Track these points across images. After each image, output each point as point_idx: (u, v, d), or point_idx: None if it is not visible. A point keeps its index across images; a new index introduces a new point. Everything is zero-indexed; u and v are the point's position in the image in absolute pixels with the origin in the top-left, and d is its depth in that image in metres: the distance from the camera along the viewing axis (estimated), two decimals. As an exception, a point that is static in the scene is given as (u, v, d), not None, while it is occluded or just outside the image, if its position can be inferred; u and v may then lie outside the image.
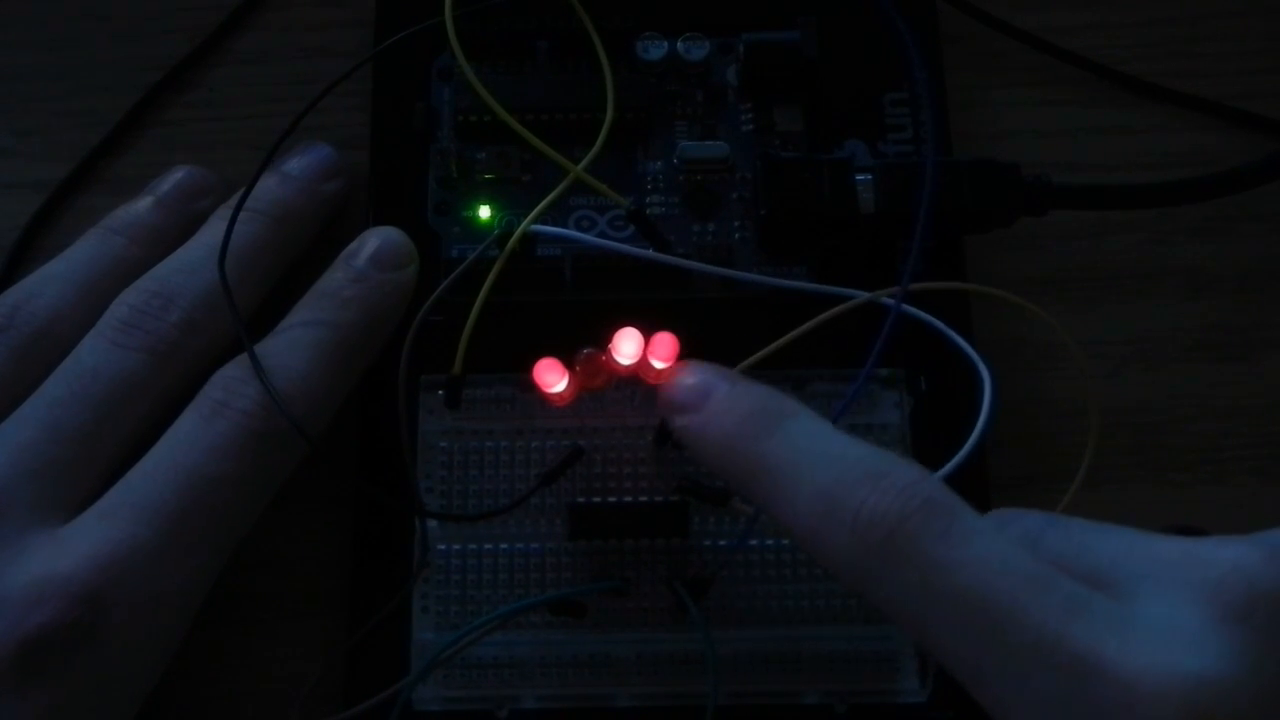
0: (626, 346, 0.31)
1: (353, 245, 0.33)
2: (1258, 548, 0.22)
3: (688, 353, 0.31)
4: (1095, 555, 0.24)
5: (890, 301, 0.30)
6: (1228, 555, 0.22)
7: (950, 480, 0.28)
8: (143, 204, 0.33)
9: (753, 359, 0.29)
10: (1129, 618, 0.22)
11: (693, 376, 0.28)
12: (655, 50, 0.36)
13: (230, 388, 0.29)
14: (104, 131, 0.37)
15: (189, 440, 0.29)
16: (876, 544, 0.23)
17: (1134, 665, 0.21)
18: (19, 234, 0.35)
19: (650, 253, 0.33)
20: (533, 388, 0.32)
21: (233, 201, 0.32)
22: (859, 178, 0.33)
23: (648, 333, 0.31)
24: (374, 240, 0.33)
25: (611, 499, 0.32)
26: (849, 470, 0.25)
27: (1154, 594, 0.22)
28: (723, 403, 0.27)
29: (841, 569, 0.25)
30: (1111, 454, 0.33)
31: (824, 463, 0.25)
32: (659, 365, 0.31)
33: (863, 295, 0.31)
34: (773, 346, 0.29)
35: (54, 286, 0.31)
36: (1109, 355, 0.34)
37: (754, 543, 0.31)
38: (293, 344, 0.30)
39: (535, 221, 0.32)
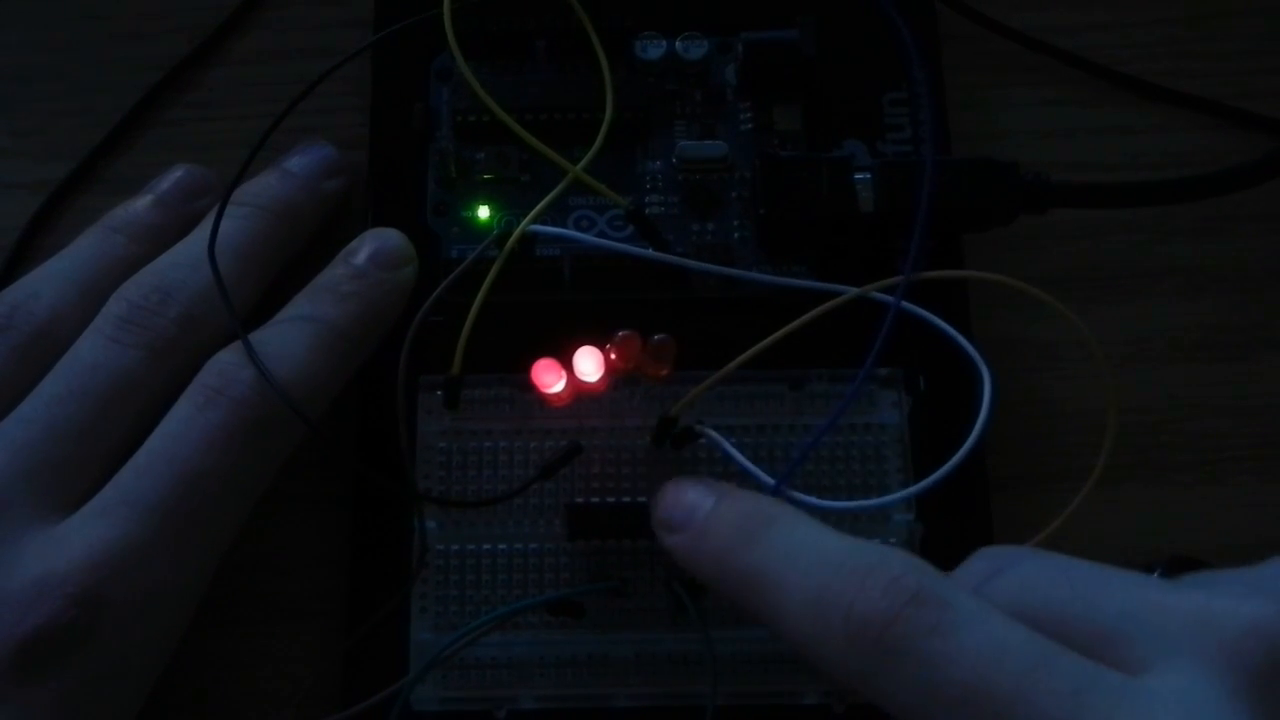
0: (625, 347, 0.31)
1: (352, 244, 0.33)
2: (1274, 602, 0.21)
3: (687, 352, 0.31)
4: (1101, 612, 0.23)
5: (890, 298, 0.30)
6: (1245, 615, 0.21)
7: (950, 480, 0.28)
8: (142, 203, 0.33)
9: (747, 354, 0.29)
10: (1140, 694, 0.21)
11: (679, 495, 0.28)
12: (654, 50, 0.36)
13: (225, 374, 0.29)
14: (104, 131, 0.37)
15: (183, 433, 0.29)
16: (870, 645, 0.23)
17: None
18: (19, 234, 0.35)
19: (649, 252, 0.33)
20: (531, 388, 0.32)
21: (230, 197, 0.32)
22: (858, 177, 0.33)
23: (647, 332, 0.31)
24: (373, 240, 0.33)
25: (610, 499, 0.32)
26: (835, 572, 0.24)
27: (1167, 661, 0.21)
28: (709, 519, 0.28)
29: (839, 673, 0.24)
30: (1113, 454, 0.33)
31: (809, 568, 0.25)
32: (657, 366, 0.31)
33: (862, 289, 0.30)
34: (768, 341, 0.29)
35: (53, 285, 0.31)
36: (1109, 355, 0.34)
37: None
38: (290, 334, 0.30)
39: (534, 221, 0.32)
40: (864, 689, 0.24)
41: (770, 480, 0.29)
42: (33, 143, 0.37)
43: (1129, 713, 0.21)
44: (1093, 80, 0.37)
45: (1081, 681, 0.21)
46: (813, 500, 0.29)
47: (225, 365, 0.29)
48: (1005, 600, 0.24)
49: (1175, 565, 0.26)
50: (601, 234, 0.34)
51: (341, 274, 0.32)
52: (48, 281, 0.31)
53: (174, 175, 0.34)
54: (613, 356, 0.31)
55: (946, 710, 0.22)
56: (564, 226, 0.34)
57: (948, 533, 0.32)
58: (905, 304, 0.30)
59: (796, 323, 0.29)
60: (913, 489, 0.29)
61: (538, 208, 0.32)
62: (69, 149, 0.36)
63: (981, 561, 0.26)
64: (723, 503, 0.28)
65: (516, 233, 0.31)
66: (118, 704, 0.28)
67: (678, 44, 0.36)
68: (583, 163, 0.32)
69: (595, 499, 0.32)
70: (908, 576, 0.23)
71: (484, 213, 0.34)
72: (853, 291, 0.30)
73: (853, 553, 0.25)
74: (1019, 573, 0.24)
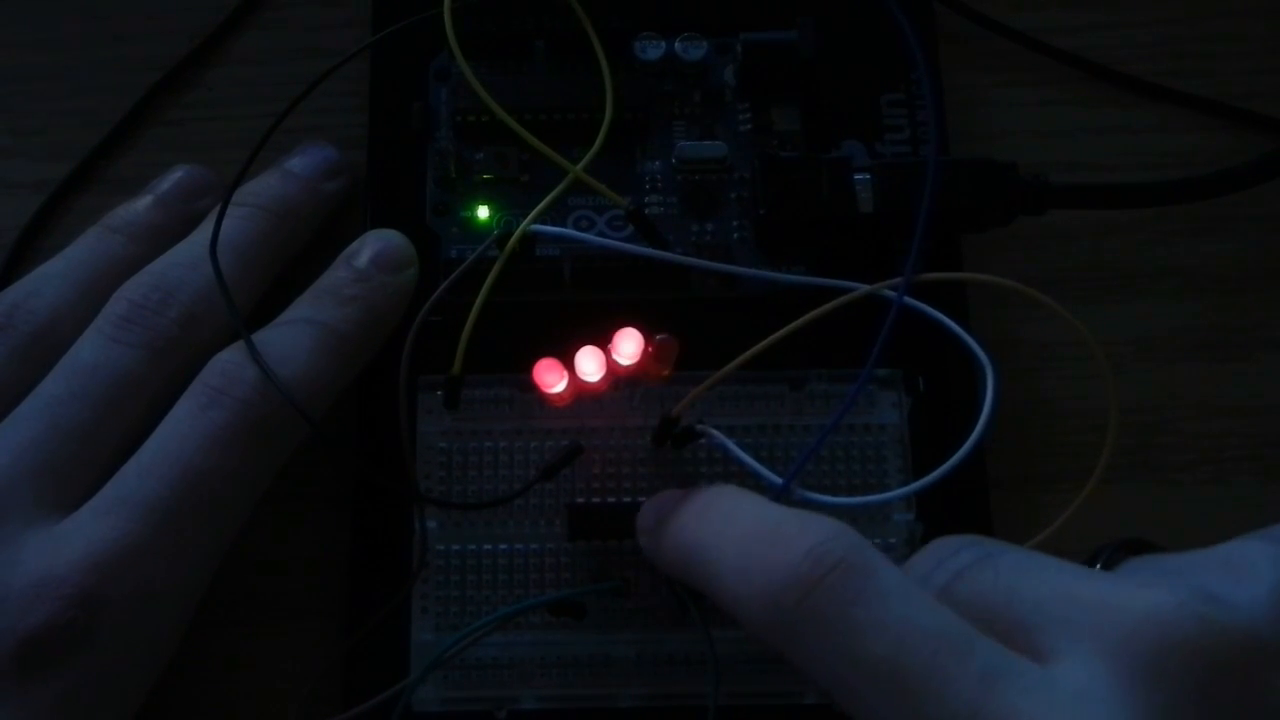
0: (626, 347, 0.31)
1: (353, 246, 0.33)
2: (1173, 593, 0.22)
3: (688, 352, 0.31)
4: (1021, 601, 0.23)
5: (893, 294, 0.30)
6: (1141, 605, 0.22)
7: (950, 478, 0.28)
8: (142, 203, 0.33)
9: (748, 354, 0.29)
10: (1047, 683, 0.21)
11: (650, 509, 0.29)
12: (653, 50, 0.36)
13: (228, 373, 0.29)
14: (104, 131, 0.37)
15: (184, 432, 0.29)
16: (792, 609, 0.23)
17: None
18: (18, 234, 0.35)
19: (650, 251, 0.33)
20: (532, 388, 0.32)
21: (231, 197, 0.32)
22: (857, 177, 0.33)
23: (647, 332, 0.31)
24: (375, 242, 0.33)
25: (611, 499, 0.32)
26: (765, 537, 0.25)
27: (1073, 651, 0.22)
28: (671, 515, 0.28)
29: (764, 637, 0.24)
30: (1113, 455, 0.33)
31: (742, 534, 0.25)
32: (658, 366, 0.31)
33: (871, 288, 0.30)
34: (770, 340, 0.29)
35: (53, 285, 0.31)
36: (1108, 355, 0.34)
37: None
38: (292, 336, 0.30)
39: (535, 221, 0.32)
40: (787, 654, 0.24)
41: (777, 480, 0.29)
42: (33, 142, 0.37)
43: (1032, 701, 0.21)
44: (1092, 80, 0.37)
45: (992, 667, 0.22)
46: (819, 497, 0.29)
47: (227, 365, 0.29)
48: (937, 586, 0.24)
49: (1126, 548, 0.26)
50: (601, 234, 0.34)
51: (344, 277, 0.32)
52: (48, 281, 0.31)
53: (174, 175, 0.34)
54: (651, 355, 0.31)
55: (861, 680, 0.22)
56: (564, 226, 0.34)
57: (948, 532, 0.32)
58: (908, 299, 0.30)
59: (801, 320, 0.29)
60: (915, 485, 0.29)
61: (538, 208, 0.32)
62: (69, 149, 0.36)
63: (930, 553, 0.26)
64: (685, 498, 0.28)
65: (518, 233, 0.31)
66: (117, 703, 0.28)
67: (677, 44, 0.36)
68: (583, 163, 0.32)
69: (596, 499, 0.32)
70: (835, 542, 0.24)
71: (483, 213, 0.34)
72: (860, 290, 0.30)
73: (786, 518, 0.25)
74: (956, 562, 0.25)
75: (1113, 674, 0.21)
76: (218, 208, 0.31)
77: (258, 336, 0.30)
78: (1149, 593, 0.22)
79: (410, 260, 0.33)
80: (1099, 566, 0.25)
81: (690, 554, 0.27)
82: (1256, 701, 0.21)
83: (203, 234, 0.32)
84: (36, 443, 0.28)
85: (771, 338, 0.29)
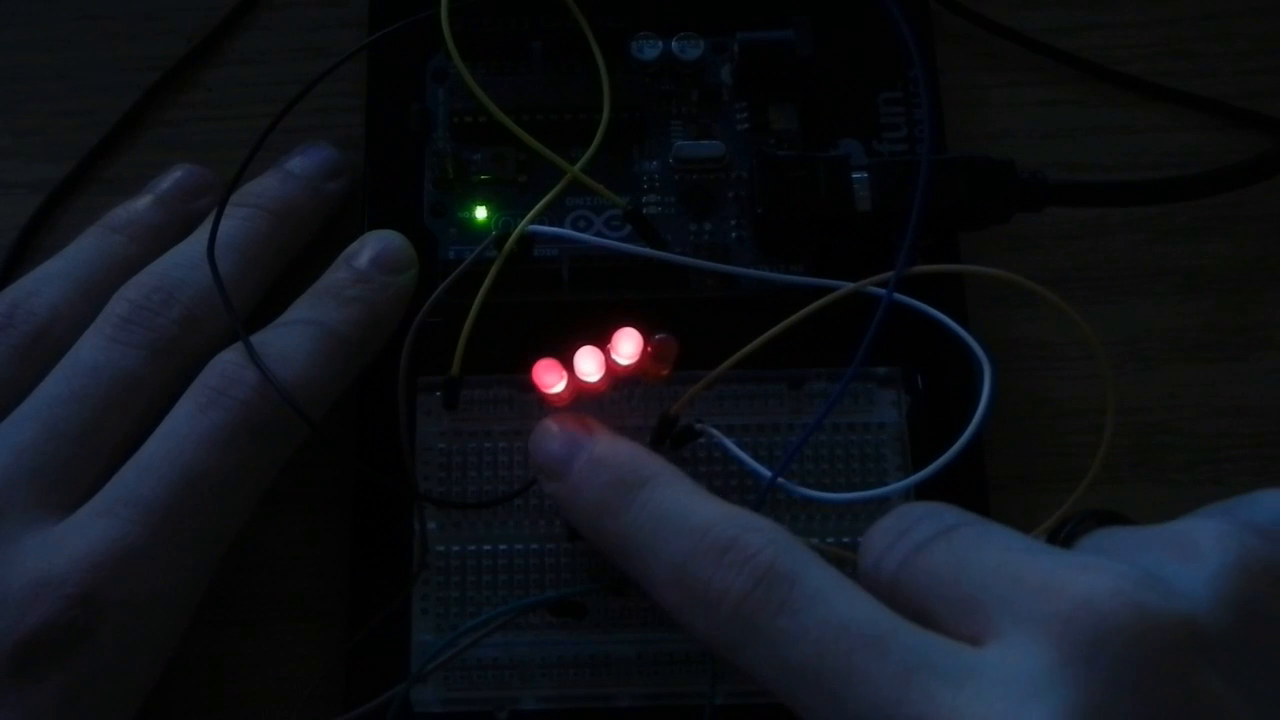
0: (625, 347, 0.31)
1: (353, 246, 0.33)
2: (1113, 578, 0.22)
3: (686, 351, 0.31)
4: (969, 577, 0.23)
5: (881, 291, 0.30)
6: (1080, 587, 0.22)
7: (948, 474, 0.28)
8: (142, 202, 0.33)
9: (744, 351, 0.29)
10: (972, 669, 0.22)
11: (555, 441, 0.29)
12: (650, 50, 0.36)
13: (227, 374, 0.29)
14: (102, 131, 0.37)
15: (184, 433, 0.29)
16: (724, 620, 0.24)
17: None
18: (18, 234, 0.35)
19: (648, 251, 0.33)
20: (531, 388, 0.32)
21: (232, 197, 0.32)
22: (855, 176, 0.33)
23: (646, 332, 0.31)
24: (375, 243, 0.33)
25: (610, 499, 0.32)
26: (697, 544, 0.25)
27: (1010, 631, 0.22)
28: (583, 472, 0.28)
29: (703, 643, 0.25)
30: (1110, 453, 0.33)
31: (675, 536, 0.26)
32: (657, 365, 0.31)
33: (857, 284, 0.30)
34: (765, 336, 0.29)
35: (53, 285, 0.31)
36: (1108, 355, 0.34)
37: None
38: (291, 337, 0.30)
39: (533, 222, 0.32)
40: (728, 659, 0.25)
41: (767, 473, 0.29)
42: (32, 142, 0.37)
43: (955, 686, 0.21)
44: (1091, 80, 0.37)
45: (914, 659, 0.22)
46: (810, 492, 0.29)
47: (227, 366, 0.29)
48: (896, 561, 0.25)
49: (1093, 519, 0.26)
50: (599, 234, 0.34)
51: (344, 278, 0.32)
52: (48, 281, 0.31)
53: (173, 175, 0.34)
54: (650, 354, 0.31)
55: (792, 685, 0.23)
56: (562, 227, 0.34)
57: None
58: (898, 296, 0.30)
59: (793, 318, 0.29)
60: (913, 478, 0.29)
61: (536, 208, 0.32)
62: (68, 149, 0.36)
63: (890, 520, 0.26)
64: (598, 451, 0.28)
65: (516, 233, 0.31)
66: (117, 704, 0.28)
67: (674, 44, 0.36)
68: (581, 163, 0.32)
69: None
70: (764, 553, 0.24)
71: (481, 213, 0.34)
72: (848, 286, 0.30)
73: (717, 522, 0.26)
74: (917, 533, 0.25)
75: (1047, 658, 0.21)
76: (224, 216, 0.31)
77: (257, 338, 0.30)
78: (1090, 576, 0.22)
79: (410, 261, 0.33)
80: (1061, 538, 0.25)
81: (618, 544, 0.27)
82: (1190, 692, 0.21)
83: (203, 234, 0.32)
84: (36, 443, 0.28)
85: (764, 336, 0.29)
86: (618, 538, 0.27)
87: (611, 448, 0.29)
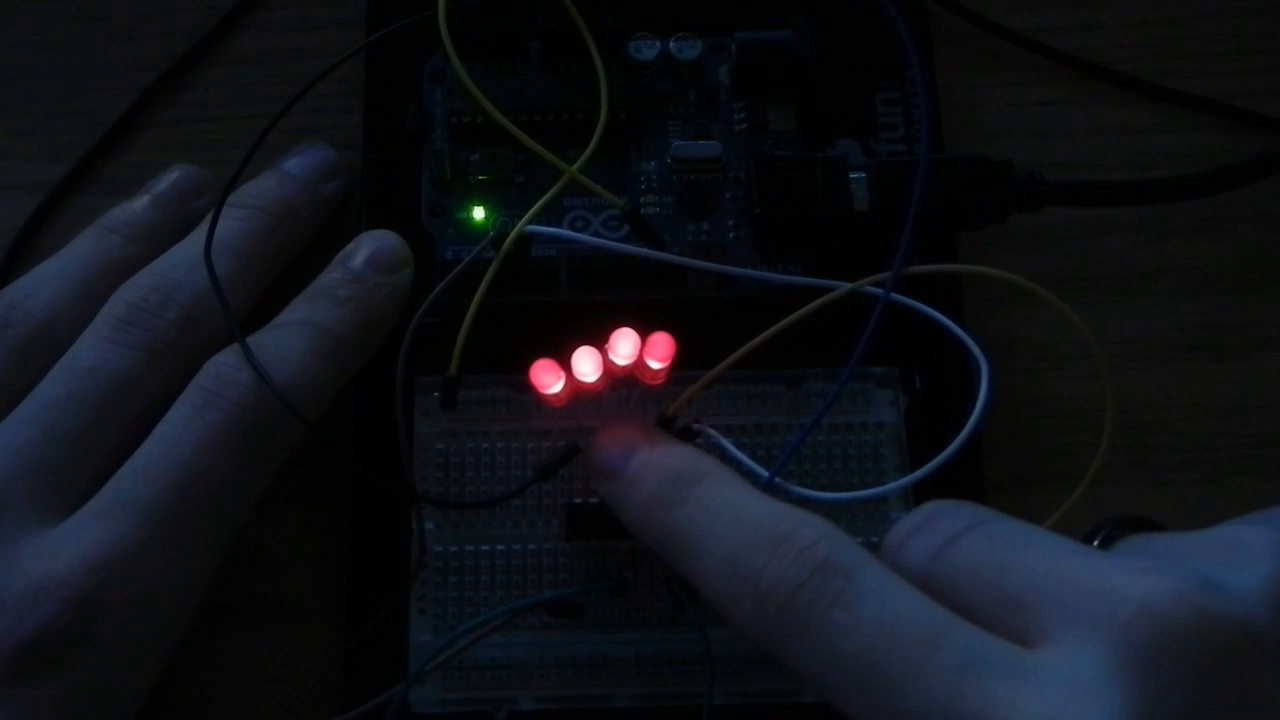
0: (623, 347, 0.31)
1: (349, 247, 0.33)
2: (1170, 581, 0.22)
3: (685, 352, 0.31)
4: (1015, 576, 0.23)
5: (878, 291, 0.30)
6: (1138, 591, 0.22)
7: (946, 474, 0.28)
8: (139, 203, 0.33)
9: (740, 351, 0.29)
10: (1029, 669, 0.22)
11: (612, 443, 0.29)
12: (647, 50, 0.36)
13: (223, 375, 0.29)
14: (100, 132, 0.37)
15: (181, 435, 0.29)
16: (775, 612, 0.24)
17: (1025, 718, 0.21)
18: (15, 234, 0.35)
19: (646, 251, 0.33)
20: (529, 389, 0.32)
21: (229, 199, 0.32)
22: (853, 176, 0.33)
23: (644, 332, 0.31)
24: (370, 243, 0.33)
25: (608, 499, 0.32)
26: (752, 535, 0.25)
27: (1065, 633, 0.22)
28: (639, 470, 0.28)
29: (751, 636, 0.25)
30: (1110, 453, 0.33)
31: (728, 529, 0.26)
32: (655, 365, 0.31)
33: (854, 285, 0.30)
34: (761, 338, 0.29)
35: (50, 285, 0.31)
36: (1106, 355, 0.34)
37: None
38: (287, 338, 0.30)
39: (531, 222, 0.32)
40: (774, 654, 0.25)
41: (764, 473, 0.29)
42: (30, 143, 0.37)
43: (1011, 684, 0.21)
44: (1089, 80, 0.37)
45: (970, 656, 0.22)
46: (807, 492, 0.29)
47: (222, 367, 0.29)
48: (927, 555, 0.25)
49: (1125, 525, 0.26)
50: (597, 234, 0.34)
51: (339, 278, 0.32)
52: (45, 281, 0.31)
53: (171, 176, 0.34)
54: (648, 354, 0.31)
55: (842, 679, 0.23)
56: (559, 227, 0.34)
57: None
58: (896, 296, 0.30)
59: (789, 319, 0.29)
60: (910, 477, 0.29)
61: (535, 208, 0.32)
62: (66, 149, 0.36)
63: (920, 516, 0.26)
64: (654, 454, 0.28)
65: (514, 233, 0.31)
66: (116, 706, 0.28)
67: (671, 44, 0.36)
68: (578, 163, 0.32)
69: (593, 499, 0.32)
70: (818, 546, 0.24)
71: (479, 214, 0.34)
72: (846, 287, 0.30)
73: (771, 517, 0.26)
74: (949, 527, 0.25)
75: (1104, 662, 0.21)
76: (222, 215, 0.31)
77: (254, 339, 0.30)
78: (1147, 580, 0.22)
79: (406, 261, 0.33)
80: (1096, 544, 0.25)
81: (670, 538, 0.27)
82: (1247, 695, 0.21)
83: (201, 235, 0.32)
84: (34, 445, 0.28)
85: (761, 336, 0.29)
86: (670, 530, 0.27)
87: (668, 449, 0.29)
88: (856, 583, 0.24)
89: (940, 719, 0.22)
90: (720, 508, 0.27)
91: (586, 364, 0.31)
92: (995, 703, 0.21)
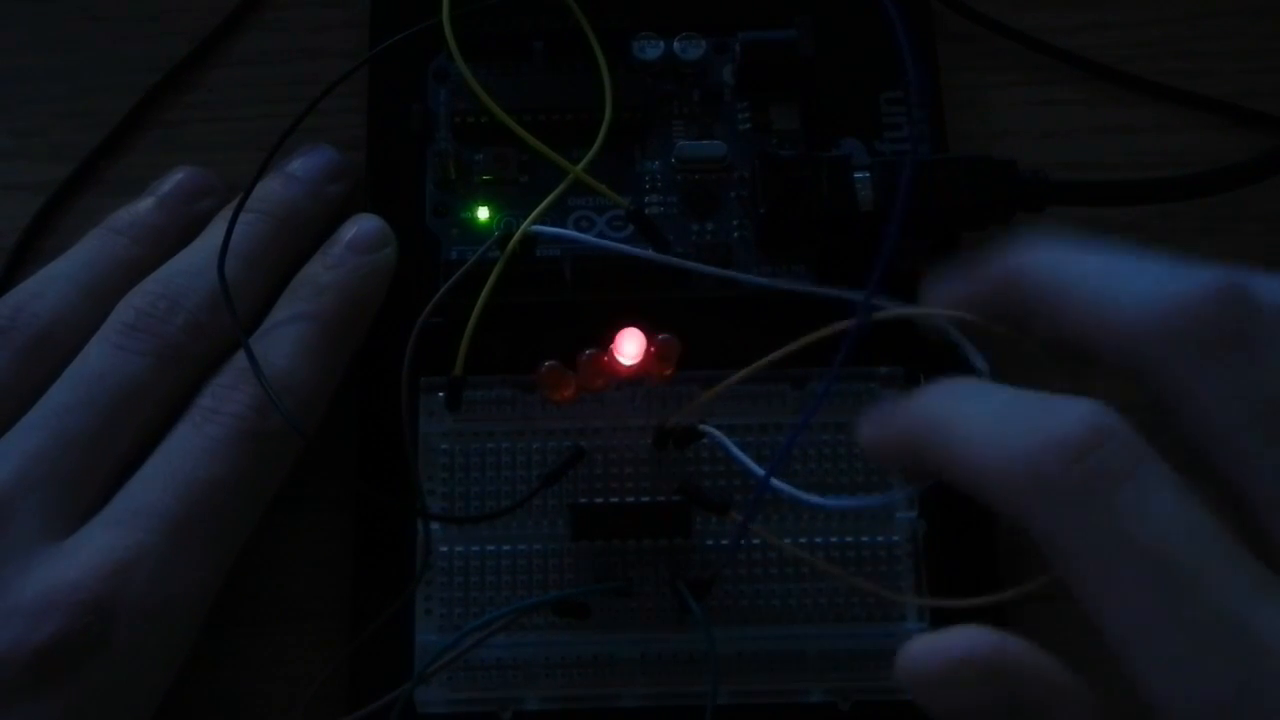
0: (629, 347, 0.31)
1: (331, 237, 0.33)
2: None
3: (689, 351, 0.31)
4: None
5: (905, 308, 0.29)
6: None
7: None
8: (144, 204, 0.33)
9: (743, 373, 0.29)
10: None
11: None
12: (651, 50, 0.36)
13: (218, 394, 0.30)
14: (104, 133, 0.37)
15: (184, 447, 0.29)
16: (1055, 476, 0.21)
17: None
18: (19, 236, 0.35)
19: (650, 252, 0.33)
20: (534, 388, 0.32)
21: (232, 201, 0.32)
22: (857, 176, 0.33)
23: (649, 332, 0.31)
24: (350, 227, 0.33)
25: (613, 499, 0.32)
26: (1027, 406, 0.23)
27: None
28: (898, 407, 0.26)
29: (1006, 504, 0.22)
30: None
31: (998, 400, 0.24)
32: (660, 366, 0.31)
33: (854, 305, 0.28)
34: (767, 360, 0.28)
35: (56, 287, 0.31)
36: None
37: (756, 542, 0.31)
38: (276, 340, 0.31)
39: (535, 222, 0.32)
40: (1030, 520, 0.22)
41: (760, 471, 0.29)
42: (33, 144, 0.37)
43: None
44: (1092, 80, 0.37)
45: (1264, 580, 0.20)
46: (808, 496, 0.29)
47: (218, 387, 0.30)
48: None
49: None
50: (601, 234, 0.34)
51: (319, 266, 0.32)
52: (50, 284, 0.31)
53: (175, 177, 0.34)
54: (653, 354, 0.31)
55: (1115, 567, 0.21)
56: (563, 227, 0.34)
57: (950, 529, 0.32)
58: (888, 300, 0.29)
59: (794, 345, 0.28)
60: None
61: (539, 208, 0.32)
62: (69, 150, 0.36)
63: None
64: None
65: (518, 234, 0.32)
66: (130, 712, 0.28)
67: (675, 44, 0.36)
68: (583, 163, 0.32)
69: (599, 499, 0.32)
70: (1108, 415, 0.22)
71: (483, 214, 0.34)
72: (848, 323, 0.28)
73: (1047, 395, 0.23)
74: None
75: None
76: (226, 219, 0.31)
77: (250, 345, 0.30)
78: None
79: (385, 239, 0.33)
80: None
81: (933, 423, 0.24)
82: None
83: (207, 240, 0.32)
84: (44, 451, 0.28)
85: (769, 357, 0.28)
86: (929, 415, 0.25)
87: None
88: (1152, 466, 0.21)
89: (1230, 634, 0.20)
90: (988, 390, 0.25)
91: (631, 345, 0.31)
92: None
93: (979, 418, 0.23)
